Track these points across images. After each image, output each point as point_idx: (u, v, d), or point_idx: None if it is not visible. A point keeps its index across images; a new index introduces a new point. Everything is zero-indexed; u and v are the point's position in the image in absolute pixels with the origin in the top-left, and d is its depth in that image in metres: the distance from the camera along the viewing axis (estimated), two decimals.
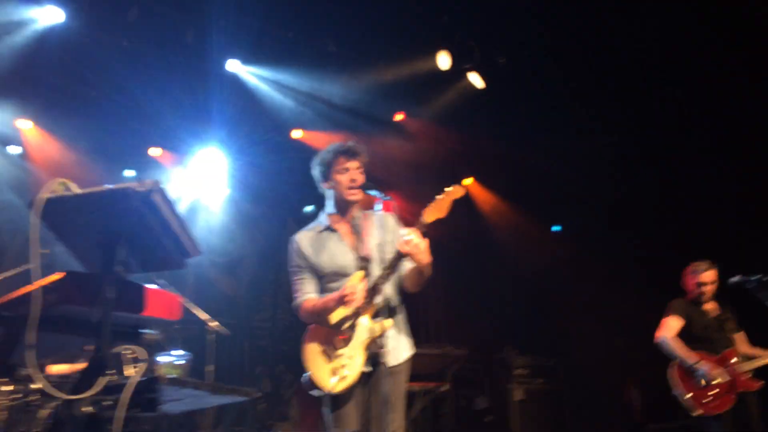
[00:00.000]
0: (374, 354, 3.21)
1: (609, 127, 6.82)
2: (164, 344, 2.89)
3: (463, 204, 8.02)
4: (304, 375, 3.26)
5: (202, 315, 5.75)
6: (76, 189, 2.25)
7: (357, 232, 3.44)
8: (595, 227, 7.33)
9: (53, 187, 2.24)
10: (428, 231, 3.21)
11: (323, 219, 3.52)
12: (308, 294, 3.40)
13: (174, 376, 2.27)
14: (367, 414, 3.24)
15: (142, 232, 2.26)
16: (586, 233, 7.37)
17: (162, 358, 2.35)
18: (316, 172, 3.52)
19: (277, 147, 7.76)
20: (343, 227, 3.47)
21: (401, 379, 3.30)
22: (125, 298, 2.28)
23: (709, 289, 5.22)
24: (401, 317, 3.41)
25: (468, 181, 8.23)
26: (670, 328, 5.15)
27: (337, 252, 3.41)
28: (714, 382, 4.91)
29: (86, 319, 2.28)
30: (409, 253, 3.15)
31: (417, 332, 6.57)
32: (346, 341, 3.24)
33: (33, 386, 4.75)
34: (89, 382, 2.17)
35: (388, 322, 3.19)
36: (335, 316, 3.24)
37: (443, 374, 6.47)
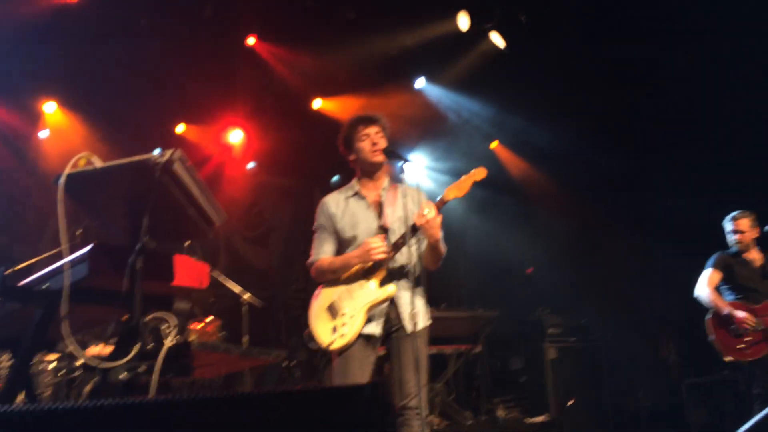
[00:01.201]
0: (389, 320, 3.34)
1: (637, 83, 6.63)
2: (196, 312, 2.97)
3: (492, 167, 7.98)
4: (307, 330, 3.40)
5: (235, 288, 5.86)
6: (98, 163, 2.29)
7: (383, 202, 3.52)
8: (628, 186, 7.20)
9: (77, 162, 2.28)
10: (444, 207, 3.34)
11: (354, 184, 3.62)
12: (325, 253, 3.51)
13: (206, 342, 2.31)
14: (390, 378, 3.33)
15: (166, 202, 2.29)
16: (620, 192, 7.26)
17: (194, 326, 2.41)
18: (341, 148, 3.63)
19: (301, 119, 7.77)
20: (371, 195, 3.56)
21: (421, 343, 3.35)
22: (153, 268, 2.32)
23: (744, 237, 5.21)
24: (419, 289, 3.44)
25: (494, 145, 8.17)
26: (707, 281, 5.21)
27: (361, 219, 3.49)
28: (748, 331, 4.93)
29: (117, 290, 2.33)
30: (422, 226, 3.26)
31: (449, 296, 6.65)
32: (352, 300, 3.34)
33: (77, 363, 4.90)
34: (124, 351, 2.23)
35: (393, 289, 3.31)
36: (351, 271, 3.38)
37: (476, 337, 6.50)
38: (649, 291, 6.91)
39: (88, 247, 2.31)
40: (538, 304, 6.85)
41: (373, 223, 3.47)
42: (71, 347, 2.12)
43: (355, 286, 3.37)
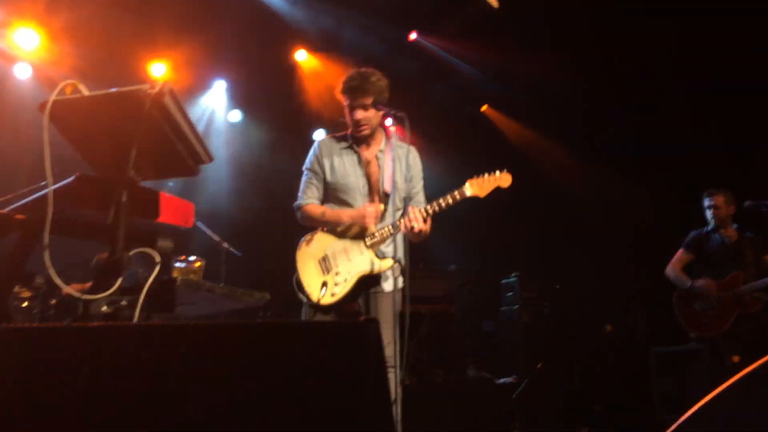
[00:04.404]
0: (369, 284, 3.36)
1: (627, 46, 6.59)
2: (179, 251, 2.92)
3: (477, 129, 7.95)
4: (296, 275, 3.39)
5: (214, 235, 5.84)
6: (85, 91, 2.21)
7: (380, 165, 3.47)
8: (608, 152, 7.23)
9: (63, 89, 2.21)
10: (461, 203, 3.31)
11: (349, 137, 3.54)
12: (312, 199, 3.50)
13: (190, 280, 2.29)
14: None
15: (154, 136, 2.23)
16: (599, 158, 7.29)
17: (178, 264, 2.38)
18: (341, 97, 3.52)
19: (285, 70, 7.65)
20: (366, 152, 3.50)
21: (393, 302, 3.38)
22: (138, 203, 2.27)
23: (719, 212, 5.27)
24: (403, 258, 3.41)
25: (484, 108, 8.15)
26: (676, 260, 5.41)
27: (351, 173, 3.45)
28: (709, 302, 5.06)
29: (100, 223, 2.28)
30: (406, 233, 3.24)
31: (426, 256, 6.67)
32: (347, 263, 3.32)
33: (52, 302, 4.82)
34: (106, 284, 2.19)
35: (388, 263, 3.32)
36: (351, 231, 3.36)
37: (451, 297, 6.56)
38: (623, 260, 7.01)
39: (72, 178, 2.25)
40: (514, 268, 6.92)
41: (360, 180, 3.44)
42: (53, 277, 2.08)
43: (355, 249, 3.35)
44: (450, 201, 3.29)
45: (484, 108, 8.14)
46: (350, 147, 3.51)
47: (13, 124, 6.34)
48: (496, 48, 7.04)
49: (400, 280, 3.41)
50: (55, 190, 2.21)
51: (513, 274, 6.81)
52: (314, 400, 1.29)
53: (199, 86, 7.51)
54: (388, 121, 3.54)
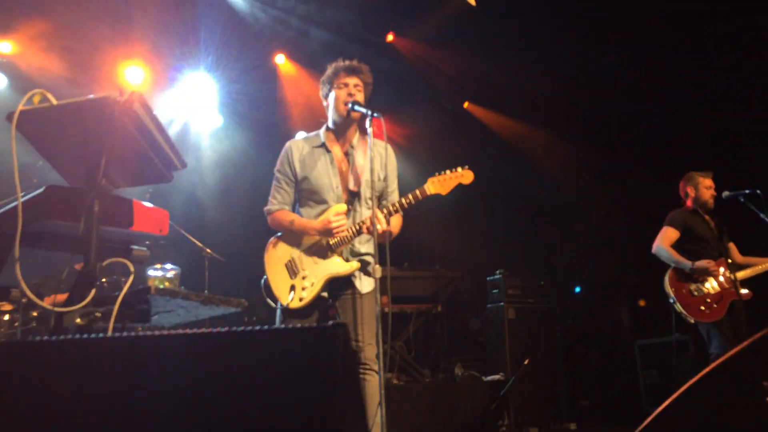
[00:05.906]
0: (341, 284, 3.33)
1: (605, 40, 6.64)
2: (153, 259, 2.90)
3: (459, 126, 7.96)
4: (264, 278, 3.36)
5: (197, 241, 5.81)
6: (53, 100, 2.19)
7: (351, 161, 3.44)
8: (589, 147, 7.26)
9: (30, 99, 2.18)
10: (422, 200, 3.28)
11: (322, 134, 3.50)
12: (284, 205, 3.46)
13: (165, 287, 2.27)
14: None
15: (125, 143, 2.21)
16: (581, 154, 7.32)
17: (153, 272, 2.36)
18: (321, 91, 3.53)
19: (266, 74, 7.62)
20: (338, 150, 3.44)
21: (370, 303, 3.35)
22: (111, 212, 2.25)
23: (713, 195, 5.17)
24: (372, 258, 3.40)
25: (466, 105, 8.16)
26: (665, 237, 5.14)
27: (324, 174, 3.40)
28: (708, 288, 4.90)
29: (73, 234, 2.26)
30: (368, 234, 3.23)
31: (411, 255, 6.65)
32: (314, 266, 3.30)
33: (33, 314, 4.77)
34: (80, 296, 2.16)
35: (355, 265, 3.31)
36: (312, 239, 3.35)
37: (436, 296, 6.56)
38: (605, 255, 7.05)
39: (42, 189, 2.22)
40: (498, 265, 6.93)
41: (334, 180, 3.39)
42: (24, 289, 2.05)
43: (321, 251, 3.33)
44: (411, 200, 3.27)
45: (465, 105, 8.16)
46: (322, 146, 3.47)
47: None
48: (473, 45, 7.05)
49: (368, 285, 3.40)
50: (25, 202, 2.18)
51: (498, 272, 6.81)
52: (284, 404, 1.28)
53: (178, 90, 7.44)
54: (366, 123, 3.47)
